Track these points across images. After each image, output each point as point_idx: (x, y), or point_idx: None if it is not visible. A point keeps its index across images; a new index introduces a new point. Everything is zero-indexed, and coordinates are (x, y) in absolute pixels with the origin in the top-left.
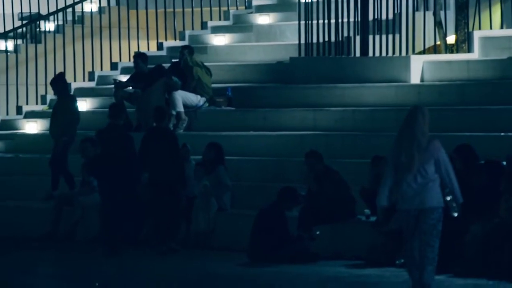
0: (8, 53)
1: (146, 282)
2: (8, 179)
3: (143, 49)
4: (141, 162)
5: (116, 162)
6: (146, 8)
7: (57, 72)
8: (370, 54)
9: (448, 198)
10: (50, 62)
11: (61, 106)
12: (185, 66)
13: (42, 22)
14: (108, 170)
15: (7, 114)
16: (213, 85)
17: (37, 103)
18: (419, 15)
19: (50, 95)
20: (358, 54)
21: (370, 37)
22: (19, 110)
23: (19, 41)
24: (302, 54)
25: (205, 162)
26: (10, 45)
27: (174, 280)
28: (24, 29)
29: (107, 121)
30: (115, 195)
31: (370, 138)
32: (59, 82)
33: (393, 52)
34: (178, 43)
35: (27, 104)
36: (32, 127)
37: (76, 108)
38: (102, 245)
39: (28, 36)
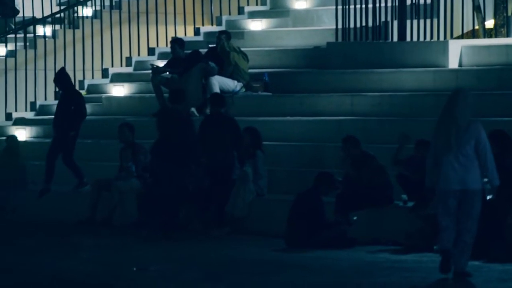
0: (46, 39)
1: (182, 266)
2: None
3: (180, 34)
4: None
5: (175, 146)
6: None
7: (94, 58)
8: (408, 39)
9: (485, 180)
10: (88, 48)
11: (66, 101)
12: (222, 51)
13: (79, 8)
14: (166, 154)
15: (45, 99)
16: (250, 70)
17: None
18: None
19: (88, 80)
20: (395, 39)
21: (408, 22)
22: (57, 95)
23: (57, 27)
24: (339, 39)
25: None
26: (48, 30)
27: (209, 264)
28: (62, 14)
29: (143, 105)
30: (173, 179)
31: (408, 123)
32: (62, 78)
33: (431, 37)
34: (215, 28)
35: None
36: None
37: (83, 103)
38: (148, 229)
39: (66, 21)
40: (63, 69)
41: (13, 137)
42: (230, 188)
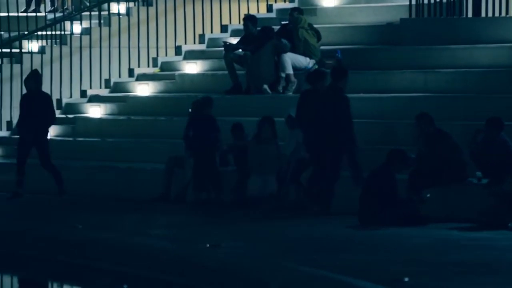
0: (120, 16)
1: (255, 243)
2: (120, 141)
3: (253, 11)
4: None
5: (328, 122)
6: None
7: (168, 35)
8: (483, 14)
9: None
10: (161, 25)
11: (39, 103)
12: (293, 28)
13: None
14: (320, 131)
15: (120, 76)
16: (322, 47)
17: (148, 66)
18: None
19: (162, 57)
20: (470, 14)
21: None
22: (131, 72)
23: (131, 4)
24: (413, 15)
25: None
26: (122, 8)
27: (281, 241)
28: None
29: (216, 83)
30: (329, 158)
31: (482, 100)
32: (37, 79)
33: (506, 12)
34: (287, 5)
35: (138, 66)
36: (144, 89)
37: (53, 105)
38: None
39: None
40: (36, 70)
41: None
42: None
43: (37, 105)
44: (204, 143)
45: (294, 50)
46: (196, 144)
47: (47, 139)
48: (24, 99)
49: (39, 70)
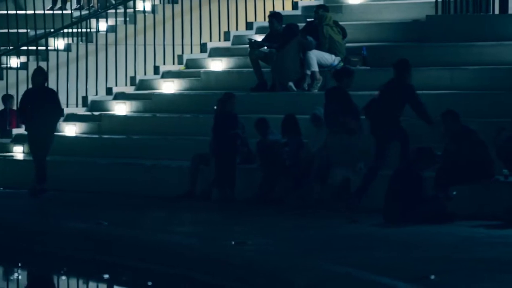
0: (146, 14)
1: (281, 241)
2: (146, 138)
3: (278, 8)
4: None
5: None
6: None
7: (193, 33)
8: (510, 11)
9: None
10: (187, 22)
11: (47, 100)
12: (319, 25)
13: None
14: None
15: (145, 74)
16: (348, 45)
17: (173, 63)
18: None
19: (187, 55)
20: (497, 11)
21: None
22: (156, 70)
23: (157, 1)
24: (439, 12)
25: None
26: (148, 5)
27: (306, 239)
28: None
29: (241, 80)
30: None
31: (508, 97)
32: (43, 74)
33: None
34: (313, 2)
35: (164, 64)
36: (169, 87)
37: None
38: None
39: None
40: (41, 67)
41: None
42: None
43: (44, 101)
44: (222, 140)
45: (319, 48)
46: (215, 141)
47: (54, 135)
48: (29, 95)
49: (65, 68)
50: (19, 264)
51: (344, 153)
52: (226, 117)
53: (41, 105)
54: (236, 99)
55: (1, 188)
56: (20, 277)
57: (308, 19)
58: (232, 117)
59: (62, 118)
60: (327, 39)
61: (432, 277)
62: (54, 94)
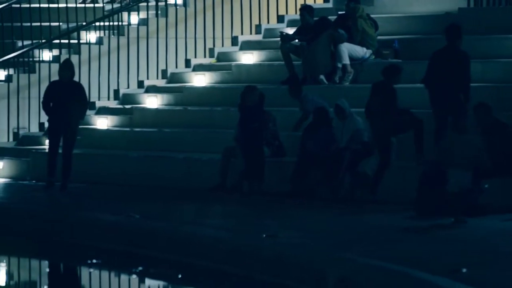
0: (177, 7)
1: (312, 233)
2: (177, 131)
3: (310, 1)
4: None
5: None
6: None
7: (224, 26)
8: None
9: None
10: (218, 15)
11: (74, 94)
12: (351, 17)
13: None
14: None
15: (176, 67)
16: (379, 37)
17: (205, 56)
18: None
19: (218, 48)
20: None
21: None
22: (187, 63)
23: None
24: (471, 5)
25: None
26: None
27: (338, 231)
28: None
29: (272, 73)
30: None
31: None
32: (71, 67)
33: None
34: None
35: (195, 57)
36: (200, 80)
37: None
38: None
39: None
40: (69, 60)
41: None
42: None
43: (70, 94)
44: (246, 134)
45: (351, 40)
46: (240, 134)
47: (78, 129)
48: (54, 87)
49: (97, 61)
50: (51, 256)
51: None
52: (248, 111)
53: (67, 99)
54: (258, 91)
55: (33, 181)
56: (51, 269)
57: (339, 12)
58: (254, 110)
59: (93, 111)
60: (360, 32)
61: (464, 270)
62: (81, 89)
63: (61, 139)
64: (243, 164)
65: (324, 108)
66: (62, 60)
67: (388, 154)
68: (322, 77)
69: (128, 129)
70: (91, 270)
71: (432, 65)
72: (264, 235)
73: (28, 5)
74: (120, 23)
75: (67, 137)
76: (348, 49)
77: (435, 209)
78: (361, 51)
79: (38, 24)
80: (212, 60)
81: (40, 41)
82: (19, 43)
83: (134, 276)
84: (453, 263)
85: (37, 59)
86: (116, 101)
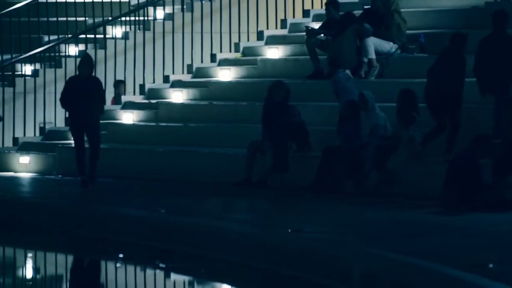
0: (203, 1)
1: (338, 228)
2: (202, 126)
3: None
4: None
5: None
6: None
7: (250, 21)
8: None
9: None
10: (243, 10)
11: (93, 90)
12: (385, 10)
13: None
14: None
15: (202, 62)
16: (406, 32)
17: (230, 51)
18: None
19: (244, 43)
20: None
21: None
22: (213, 58)
23: None
24: None
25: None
26: None
27: (364, 226)
28: None
29: (298, 68)
30: None
31: None
32: (90, 62)
33: None
34: None
35: (220, 52)
36: (226, 74)
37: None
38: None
39: None
40: (89, 55)
41: None
42: None
43: (89, 90)
44: (271, 129)
45: (385, 35)
46: (265, 129)
47: (99, 125)
48: (73, 83)
49: (123, 56)
50: (76, 251)
51: None
52: (274, 105)
53: (86, 94)
54: (285, 87)
55: (60, 176)
56: (76, 263)
57: (365, 6)
58: (279, 105)
59: (119, 106)
60: (396, 25)
61: (491, 265)
62: (100, 84)
63: (84, 135)
64: (271, 159)
65: (354, 101)
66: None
67: (446, 119)
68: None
69: (153, 123)
70: (115, 264)
71: (479, 53)
72: (290, 230)
73: (54, 0)
74: (146, 18)
75: (91, 134)
76: (375, 44)
77: (461, 204)
78: (387, 46)
79: (65, 19)
80: (238, 55)
81: (66, 36)
82: (46, 38)
83: (158, 270)
84: (480, 258)
85: (63, 54)
86: (142, 96)
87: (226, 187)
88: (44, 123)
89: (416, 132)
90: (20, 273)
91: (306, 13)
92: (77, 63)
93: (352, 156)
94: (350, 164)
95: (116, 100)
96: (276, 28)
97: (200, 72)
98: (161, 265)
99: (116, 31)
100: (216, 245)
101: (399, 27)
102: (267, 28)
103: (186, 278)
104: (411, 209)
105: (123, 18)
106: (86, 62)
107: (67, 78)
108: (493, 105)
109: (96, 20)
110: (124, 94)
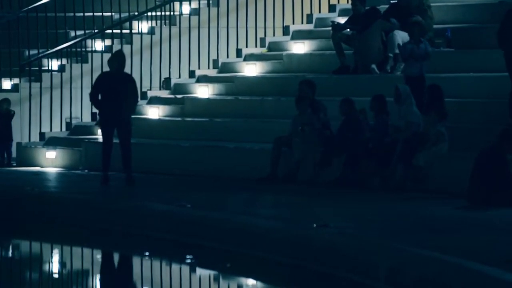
0: None
1: (363, 223)
2: (228, 121)
3: None
4: None
5: None
6: None
7: (275, 15)
8: None
9: None
10: (269, 5)
11: (126, 87)
12: (419, 6)
13: None
14: None
15: (228, 57)
16: (433, 26)
17: (256, 46)
18: None
19: (269, 37)
20: None
21: None
22: (239, 53)
23: None
24: None
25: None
26: None
27: (389, 221)
28: None
29: (324, 63)
30: None
31: None
32: (119, 60)
33: None
34: None
35: (246, 47)
36: (252, 69)
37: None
38: None
39: None
40: (121, 51)
41: None
42: None
43: (121, 87)
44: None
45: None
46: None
47: (131, 121)
48: (104, 79)
49: (149, 51)
50: (103, 245)
51: None
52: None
53: (118, 91)
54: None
55: (86, 171)
56: (103, 258)
57: (391, 1)
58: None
59: (145, 101)
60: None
61: None
62: (133, 81)
63: (114, 131)
64: (299, 154)
65: (382, 96)
66: (114, 50)
67: None
68: (373, 66)
69: (179, 118)
70: (142, 258)
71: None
72: (315, 225)
73: None
74: (171, 13)
75: (122, 130)
76: (403, 38)
77: (487, 199)
78: None
79: (91, 14)
80: (263, 50)
81: (93, 31)
82: (72, 33)
83: (184, 265)
84: (507, 253)
85: (90, 49)
86: (168, 91)
87: (252, 182)
88: (71, 118)
89: (443, 128)
90: (47, 267)
91: (332, 8)
92: (103, 58)
93: (381, 151)
94: (378, 159)
95: None
96: (302, 23)
97: (226, 67)
98: (186, 259)
99: (142, 26)
100: (242, 240)
101: (431, 21)
102: (293, 23)
103: (212, 273)
104: (437, 204)
105: (149, 13)
106: (115, 57)
107: (97, 74)
108: None
109: (122, 15)
110: None
